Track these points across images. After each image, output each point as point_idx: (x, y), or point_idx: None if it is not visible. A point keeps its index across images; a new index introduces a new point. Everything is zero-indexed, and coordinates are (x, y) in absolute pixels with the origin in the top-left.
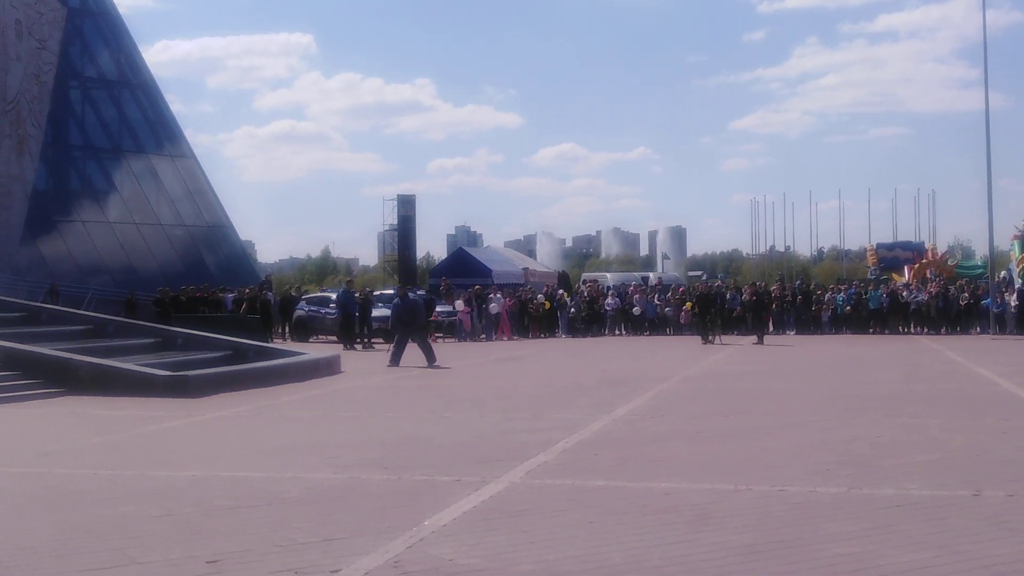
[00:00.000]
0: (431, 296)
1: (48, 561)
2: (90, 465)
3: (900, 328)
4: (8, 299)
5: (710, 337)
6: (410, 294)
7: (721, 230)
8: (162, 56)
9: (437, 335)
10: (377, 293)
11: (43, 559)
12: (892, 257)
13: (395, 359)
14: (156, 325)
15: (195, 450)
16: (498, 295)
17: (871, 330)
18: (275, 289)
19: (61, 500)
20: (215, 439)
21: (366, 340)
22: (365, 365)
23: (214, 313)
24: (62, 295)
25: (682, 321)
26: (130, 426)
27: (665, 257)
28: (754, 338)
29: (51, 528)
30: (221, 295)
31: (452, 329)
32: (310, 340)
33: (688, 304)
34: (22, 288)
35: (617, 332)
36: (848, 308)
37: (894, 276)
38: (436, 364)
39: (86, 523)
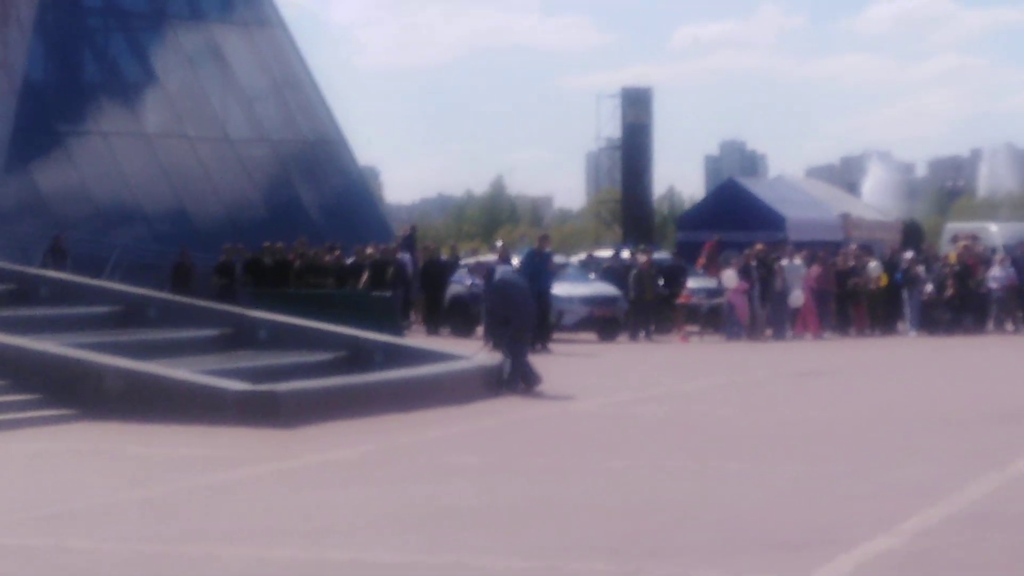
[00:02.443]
0: (679, 262)
1: None
2: (124, 536)
3: None
4: None
5: None
6: (500, 266)
7: None
8: None
9: (691, 330)
10: (576, 260)
11: None
12: None
13: (525, 377)
14: (224, 307)
15: (292, 515)
16: (797, 261)
17: None
18: (416, 248)
19: None
20: (323, 497)
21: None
22: (564, 374)
23: (318, 288)
24: (72, 255)
25: None
26: (185, 473)
27: None
28: None
29: None
30: (330, 258)
31: (716, 319)
32: (475, 334)
33: None
34: (7, 243)
35: (1010, 327)
36: None
37: None
38: (535, 385)
39: None
